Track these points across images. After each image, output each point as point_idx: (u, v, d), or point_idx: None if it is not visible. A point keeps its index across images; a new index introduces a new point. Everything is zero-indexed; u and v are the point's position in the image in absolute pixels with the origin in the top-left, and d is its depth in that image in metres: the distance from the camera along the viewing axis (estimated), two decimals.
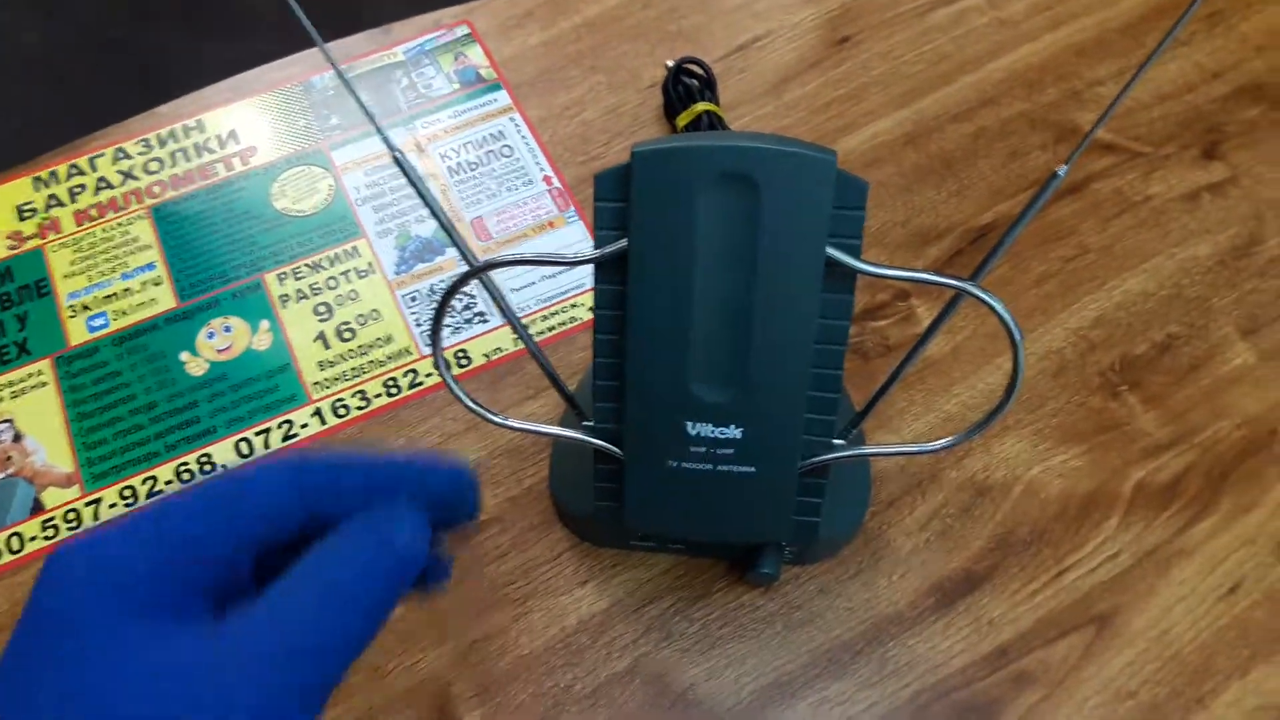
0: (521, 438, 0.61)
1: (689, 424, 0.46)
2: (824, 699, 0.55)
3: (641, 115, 0.74)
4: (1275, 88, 0.74)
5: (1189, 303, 0.66)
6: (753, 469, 0.47)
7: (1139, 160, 0.71)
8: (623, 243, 0.43)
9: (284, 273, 0.67)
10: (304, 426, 0.62)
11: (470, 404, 0.47)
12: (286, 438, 0.62)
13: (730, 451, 0.47)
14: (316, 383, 0.63)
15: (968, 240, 0.68)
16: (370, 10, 1.06)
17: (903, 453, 0.48)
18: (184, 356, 0.65)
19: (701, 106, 0.69)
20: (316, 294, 0.66)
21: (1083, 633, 0.56)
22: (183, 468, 0.61)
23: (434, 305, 0.46)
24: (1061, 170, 0.41)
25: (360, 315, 0.65)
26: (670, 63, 0.73)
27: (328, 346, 0.64)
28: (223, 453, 0.61)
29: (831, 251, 0.42)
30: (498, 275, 0.67)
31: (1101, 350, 0.64)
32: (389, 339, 0.65)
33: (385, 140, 0.41)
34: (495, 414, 0.48)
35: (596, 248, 0.43)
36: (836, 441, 0.48)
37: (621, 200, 0.42)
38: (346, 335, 0.65)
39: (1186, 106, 0.73)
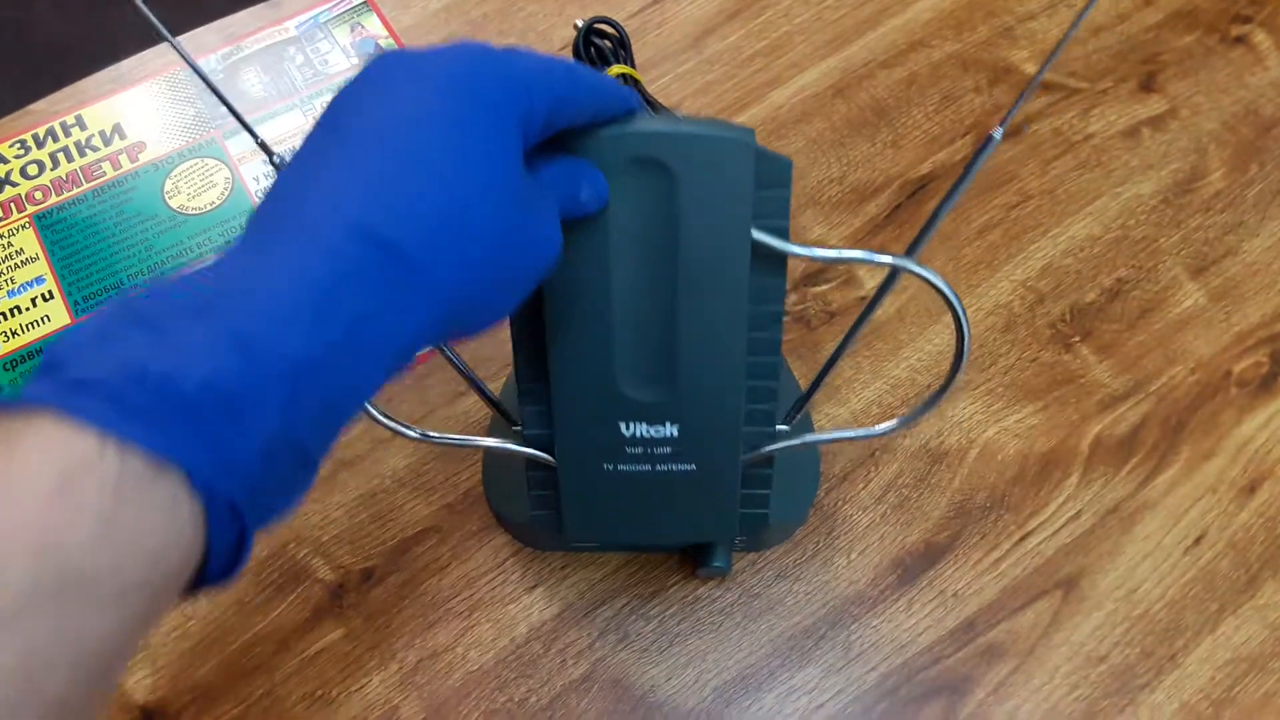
0: None
1: (622, 424, 0.43)
2: (790, 689, 0.53)
3: None
4: (1208, 12, 0.72)
5: (1136, 244, 0.64)
6: (693, 466, 0.44)
7: (1076, 97, 0.68)
8: None
9: None
10: None
11: (381, 417, 0.43)
12: None
13: (668, 450, 0.44)
14: None
15: (906, 193, 0.65)
16: None
17: (849, 438, 0.45)
18: None
19: (616, 70, 0.65)
20: None
21: (1049, 598, 0.55)
22: None
23: None
24: (996, 134, 0.38)
25: None
26: (579, 23, 0.69)
27: None
28: None
29: (757, 235, 0.39)
30: None
31: (1050, 301, 0.62)
32: None
33: (253, 136, 0.38)
34: (411, 428, 0.44)
35: None
36: (781, 428, 0.46)
37: None
38: None
39: (1121, 37, 0.71)
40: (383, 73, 0.30)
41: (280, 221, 0.28)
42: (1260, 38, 0.70)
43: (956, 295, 0.40)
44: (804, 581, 0.55)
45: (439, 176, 0.28)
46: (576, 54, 0.68)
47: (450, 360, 0.45)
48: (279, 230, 0.27)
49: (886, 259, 0.40)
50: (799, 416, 0.48)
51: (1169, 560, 0.55)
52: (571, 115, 0.35)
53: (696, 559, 0.51)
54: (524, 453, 0.45)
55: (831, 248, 0.40)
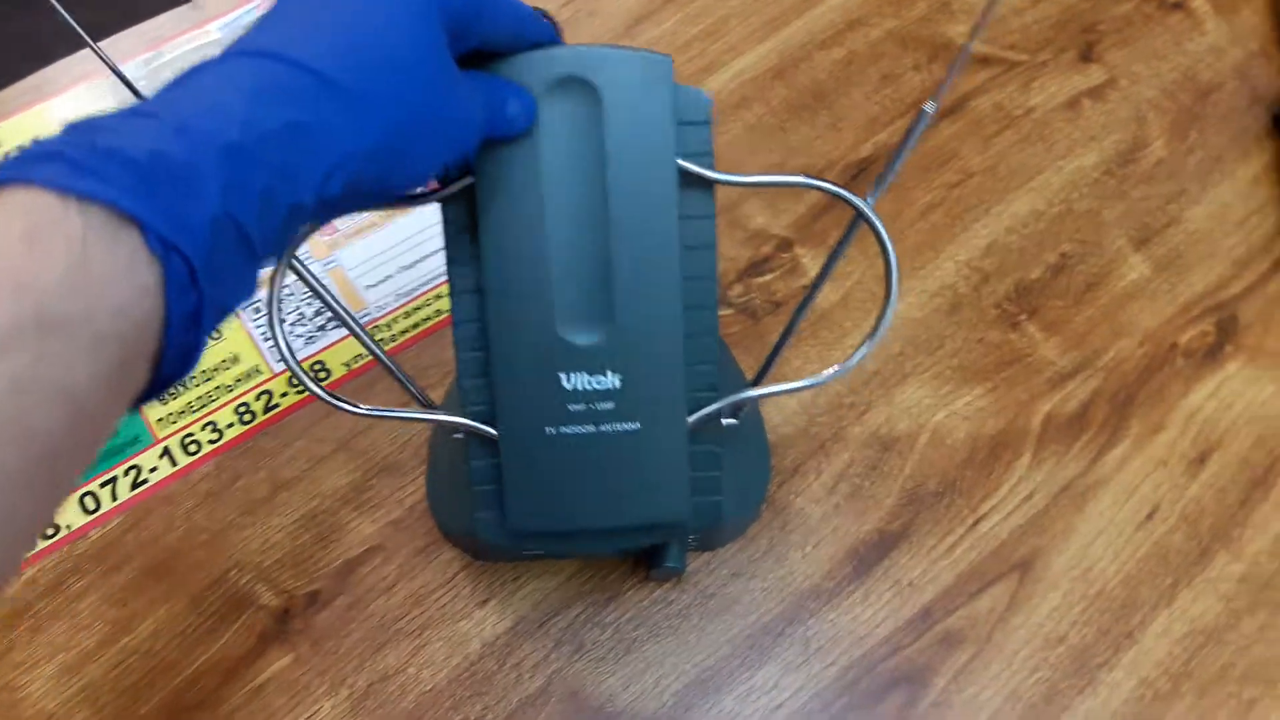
0: (398, 453, 0.56)
1: (563, 376, 0.42)
2: (750, 689, 0.52)
3: None
4: None
5: (1079, 218, 0.63)
6: (637, 424, 0.43)
7: (1016, 70, 0.68)
8: (468, 180, 0.40)
9: None
10: (153, 470, 0.56)
11: (316, 389, 0.41)
12: (135, 484, 0.56)
13: (611, 405, 0.43)
14: (160, 419, 0.57)
15: (848, 176, 0.64)
16: None
17: (793, 389, 0.44)
18: None
19: None
20: None
21: (1005, 582, 0.54)
22: None
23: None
24: (929, 107, 0.38)
25: None
26: None
27: None
28: (65, 510, 0.55)
29: (683, 162, 0.40)
30: (352, 273, 0.61)
31: (995, 280, 0.61)
32: (235, 359, 0.59)
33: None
34: (352, 403, 0.42)
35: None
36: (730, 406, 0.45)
37: None
38: None
39: (1059, 6, 0.70)
40: None
41: (209, 61, 0.30)
42: (1198, 3, 0.70)
43: (883, 226, 0.40)
44: (759, 578, 0.54)
45: (368, 24, 0.32)
46: None
47: (361, 339, 0.43)
48: (212, 61, 0.30)
49: (814, 182, 0.41)
50: (749, 408, 0.47)
51: (1123, 536, 0.55)
52: (489, 27, 0.37)
53: (650, 562, 0.50)
54: (464, 423, 0.43)
55: (756, 174, 0.42)
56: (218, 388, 0.58)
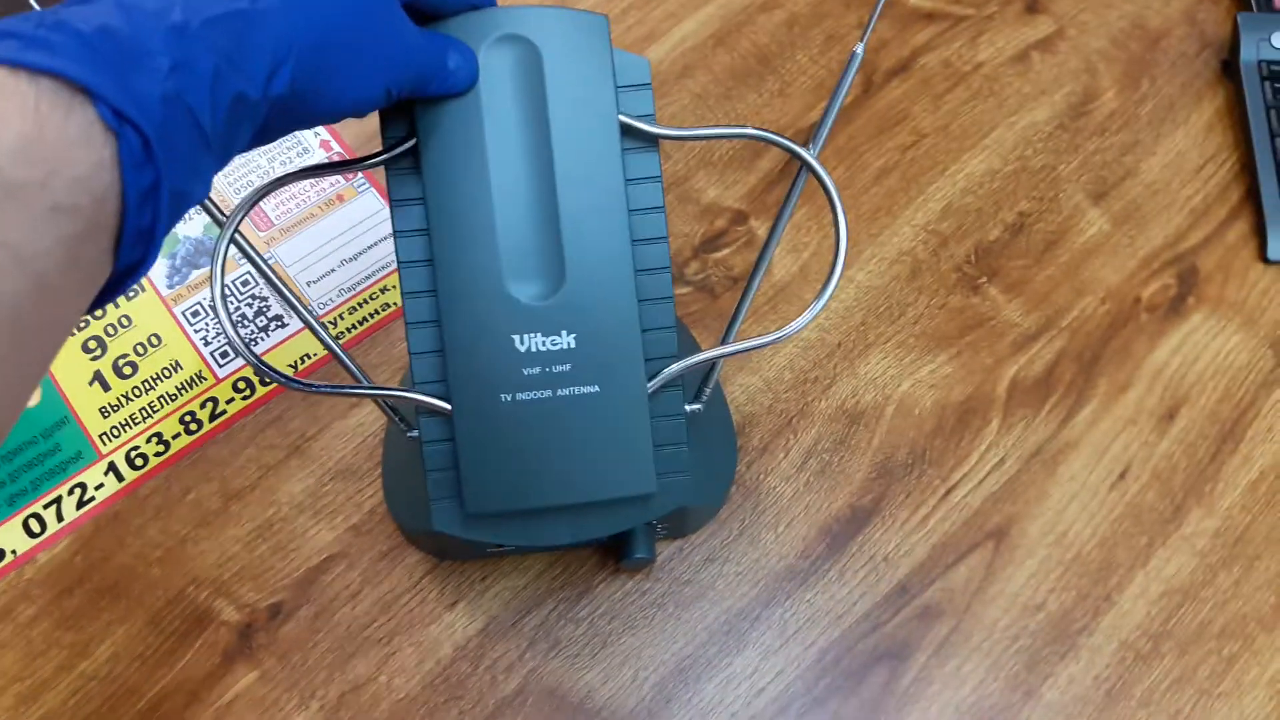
0: (353, 455, 0.54)
1: (516, 339, 0.41)
2: (730, 677, 0.51)
3: None
4: None
5: (1035, 174, 0.62)
6: (595, 387, 0.42)
7: (963, 25, 0.66)
8: (412, 141, 0.40)
9: None
10: (99, 487, 0.54)
11: (257, 361, 0.39)
12: (81, 503, 0.53)
13: (567, 367, 0.41)
14: (103, 433, 0.55)
15: (800, 142, 0.62)
16: None
17: (756, 346, 0.43)
18: None
19: None
20: (81, 326, 0.57)
21: (981, 551, 0.54)
22: None
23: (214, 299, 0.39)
24: (859, 49, 0.39)
25: (138, 344, 0.57)
26: None
27: (107, 388, 0.56)
28: (9, 535, 0.53)
29: (624, 118, 0.41)
30: (292, 268, 0.58)
31: (954, 243, 0.60)
32: (176, 365, 0.56)
33: None
34: (306, 383, 0.40)
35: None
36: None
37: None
38: (127, 371, 0.56)
39: None
40: None
41: None
42: None
43: (831, 178, 0.41)
44: (733, 563, 0.53)
45: None
46: None
47: (304, 319, 0.41)
48: None
49: (756, 132, 0.42)
50: (709, 388, 0.46)
51: (1096, 498, 0.55)
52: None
53: (620, 553, 0.49)
54: (418, 398, 0.41)
55: (700, 126, 0.42)
56: (160, 397, 0.55)
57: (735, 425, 0.56)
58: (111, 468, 0.54)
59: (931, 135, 0.63)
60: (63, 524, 0.53)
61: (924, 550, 0.54)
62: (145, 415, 0.55)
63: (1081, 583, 0.53)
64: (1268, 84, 0.62)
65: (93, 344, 0.57)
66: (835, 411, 0.56)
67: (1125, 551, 0.54)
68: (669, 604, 0.53)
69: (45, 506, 0.53)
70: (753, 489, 0.55)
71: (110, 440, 0.55)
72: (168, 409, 0.55)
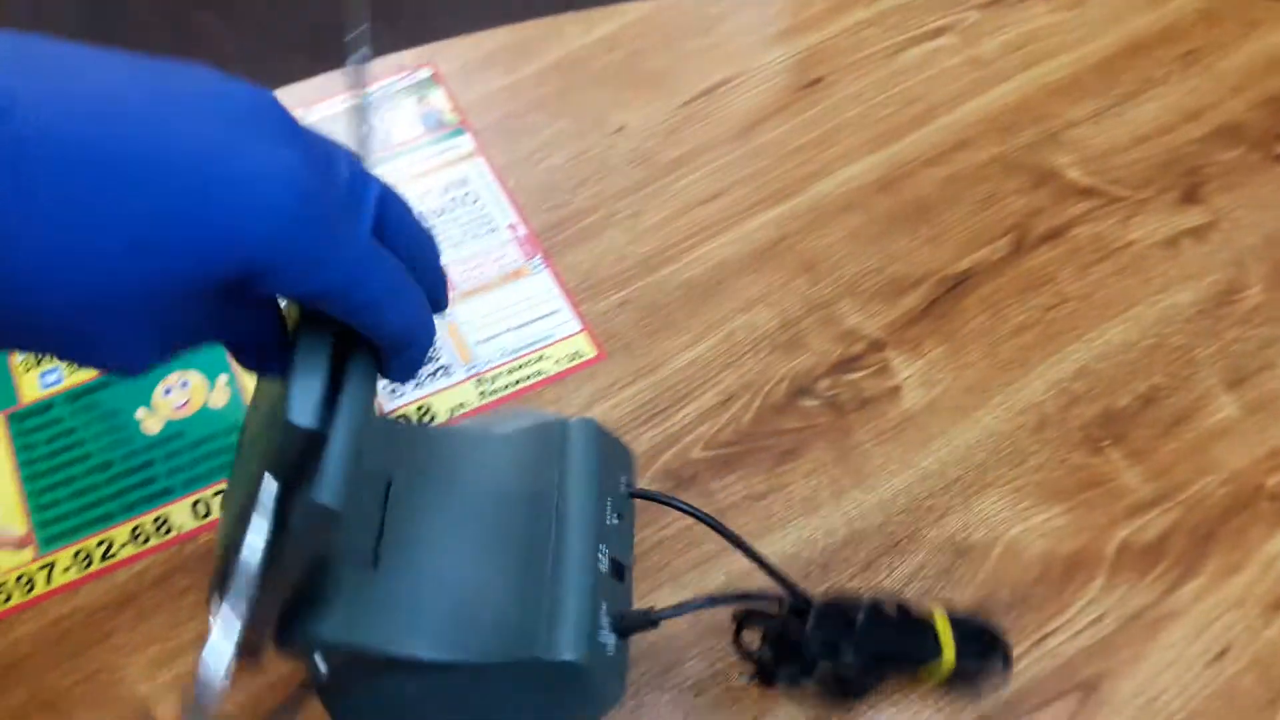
0: None
1: None
2: None
3: (609, 160, 0.72)
4: (1253, 128, 0.73)
5: (1172, 353, 0.64)
6: None
7: (1118, 205, 0.69)
8: None
9: None
10: None
11: None
12: None
13: None
14: None
15: (944, 289, 0.66)
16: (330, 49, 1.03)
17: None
18: (140, 414, 0.62)
19: None
20: None
21: (1066, 700, 0.54)
22: (138, 530, 0.58)
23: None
24: (367, 50, 0.35)
25: None
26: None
27: None
28: (179, 514, 0.58)
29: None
30: (464, 327, 0.64)
31: (1084, 403, 0.62)
32: None
33: None
34: None
35: None
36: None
37: None
38: None
39: (1164, 148, 0.72)
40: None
41: None
42: None
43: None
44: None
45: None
46: None
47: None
48: None
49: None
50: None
51: (1191, 671, 0.55)
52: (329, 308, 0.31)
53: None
54: None
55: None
56: None
57: (841, 537, 0.58)
58: None
59: (1074, 300, 0.66)
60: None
61: (1010, 689, 0.54)
62: None
63: None
64: None
65: None
66: (944, 542, 0.58)
67: None
68: None
69: (214, 495, 0.59)
70: None
71: None
72: None
